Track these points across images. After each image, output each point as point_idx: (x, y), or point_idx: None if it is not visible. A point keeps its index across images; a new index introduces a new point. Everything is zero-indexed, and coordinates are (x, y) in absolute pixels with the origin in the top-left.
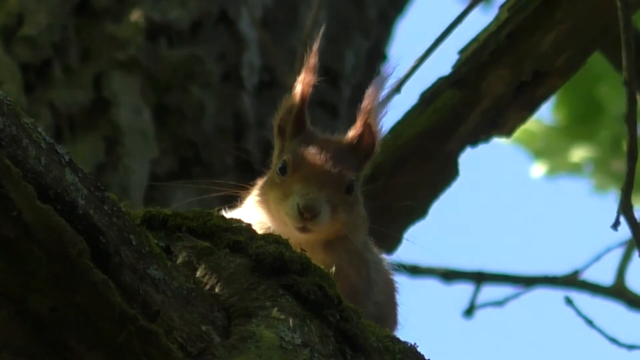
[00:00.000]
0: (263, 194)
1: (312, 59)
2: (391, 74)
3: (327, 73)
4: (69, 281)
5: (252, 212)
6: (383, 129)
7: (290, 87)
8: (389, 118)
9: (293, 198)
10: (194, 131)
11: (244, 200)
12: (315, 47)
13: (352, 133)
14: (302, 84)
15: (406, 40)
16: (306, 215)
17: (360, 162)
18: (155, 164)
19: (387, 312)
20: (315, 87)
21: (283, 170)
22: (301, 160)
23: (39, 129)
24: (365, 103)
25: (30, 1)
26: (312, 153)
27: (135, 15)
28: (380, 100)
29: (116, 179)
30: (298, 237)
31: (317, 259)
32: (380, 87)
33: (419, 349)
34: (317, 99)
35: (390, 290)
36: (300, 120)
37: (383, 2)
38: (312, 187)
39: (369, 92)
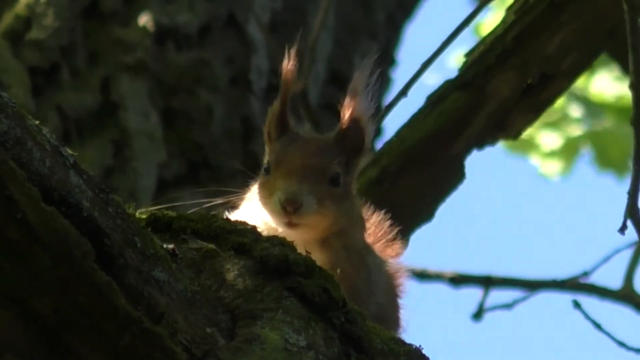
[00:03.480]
0: (253, 197)
1: (290, 62)
2: (374, 67)
3: (335, 76)
4: (73, 283)
5: (248, 216)
6: (372, 124)
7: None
8: (378, 112)
9: (276, 194)
10: (202, 135)
11: (241, 204)
12: (293, 51)
13: (338, 128)
14: (282, 86)
15: (414, 43)
16: (289, 209)
17: (349, 158)
18: (163, 167)
19: (389, 314)
20: (323, 91)
21: (267, 170)
22: (283, 158)
23: (44, 131)
24: (349, 98)
25: (39, 5)
26: (293, 150)
27: (144, 19)
28: (365, 93)
29: (124, 183)
30: (289, 234)
31: (315, 258)
32: (364, 81)
33: (424, 351)
34: (324, 102)
35: (391, 292)
36: (283, 122)
37: (391, 6)
38: (293, 180)
39: (352, 86)
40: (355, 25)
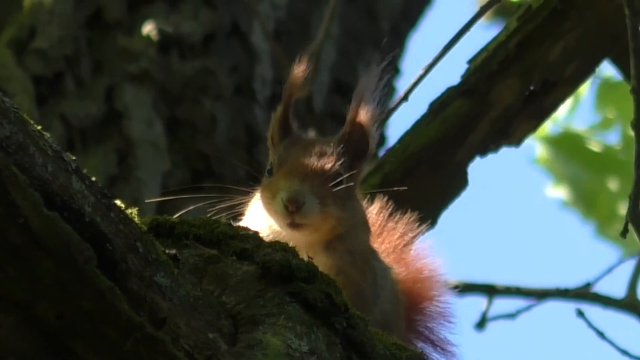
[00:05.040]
0: (257, 202)
1: (301, 67)
2: (379, 71)
3: (339, 85)
4: (75, 288)
5: (252, 220)
6: (377, 127)
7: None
8: (382, 116)
9: (279, 194)
10: (205, 144)
11: (245, 210)
12: (305, 56)
13: (342, 132)
14: (286, 89)
15: (418, 50)
16: (291, 208)
17: (353, 161)
18: (167, 176)
19: (394, 321)
20: (327, 99)
21: (270, 171)
22: (285, 159)
23: (46, 137)
24: (354, 102)
25: (43, 14)
26: (296, 151)
27: (148, 28)
28: (370, 98)
29: (128, 192)
30: (293, 236)
31: (319, 261)
32: (370, 85)
33: (426, 357)
34: (328, 111)
35: (396, 299)
36: (285, 125)
37: (395, 15)
38: (295, 180)
39: (358, 90)
40: (360, 34)
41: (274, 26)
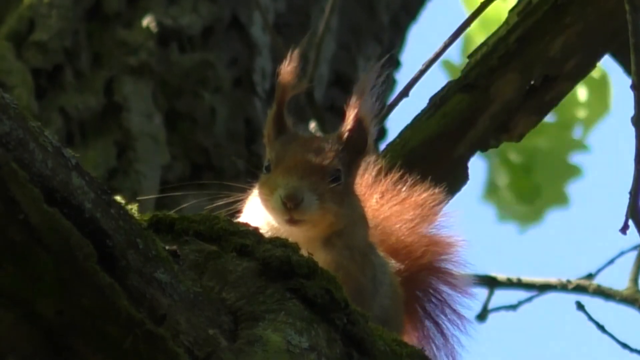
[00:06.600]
0: (255, 198)
1: (290, 64)
2: (380, 69)
3: (339, 78)
4: (75, 285)
5: (251, 217)
6: (375, 125)
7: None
8: (382, 112)
9: (277, 191)
10: (205, 136)
11: (244, 206)
12: (295, 53)
13: (341, 128)
14: (279, 87)
15: (417, 44)
16: (289, 205)
17: (351, 158)
18: (167, 169)
19: (393, 316)
20: (326, 92)
21: (268, 168)
22: (283, 156)
23: (46, 133)
24: (354, 98)
25: (42, 6)
26: (294, 147)
27: (147, 21)
28: (370, 95)
29: (127, 184)
30: (291, 232)
31: (318, 257)
32: (370, 82)
33: (427, 353)
34: (328, 104)
35: (395, 294)
36: (280, 121)
37: (395, 8)
38: (293, 177)
39: (358, 87)
40: (359, 27)
41: (273, 18)
